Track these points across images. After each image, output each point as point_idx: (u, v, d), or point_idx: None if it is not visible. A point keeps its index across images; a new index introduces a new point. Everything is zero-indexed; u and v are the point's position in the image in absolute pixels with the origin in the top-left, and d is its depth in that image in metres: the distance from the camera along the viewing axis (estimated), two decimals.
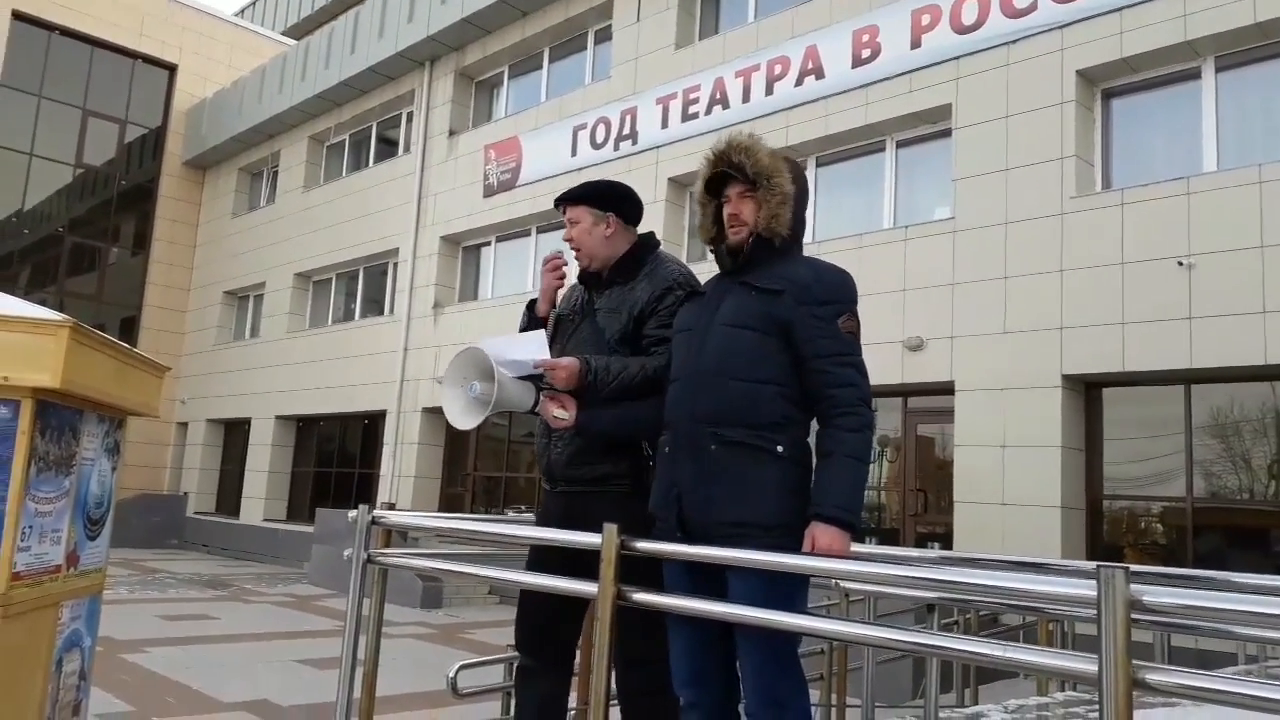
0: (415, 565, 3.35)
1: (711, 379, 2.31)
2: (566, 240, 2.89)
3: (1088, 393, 9.22)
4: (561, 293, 2.98)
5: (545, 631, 2.75)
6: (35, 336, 2.94)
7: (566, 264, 2.92)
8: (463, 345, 2.74)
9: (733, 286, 2.39)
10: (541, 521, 2.83)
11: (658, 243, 2.93)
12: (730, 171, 2.38)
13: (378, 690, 3.19)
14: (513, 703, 2.81)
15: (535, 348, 2.66)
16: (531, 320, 2.94)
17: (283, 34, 27.29)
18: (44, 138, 21.10)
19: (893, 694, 6.18)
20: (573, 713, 3.77)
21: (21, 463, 2.97)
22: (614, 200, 2.87)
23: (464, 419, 2.57)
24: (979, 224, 9.74)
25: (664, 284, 2.74)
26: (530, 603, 2.76)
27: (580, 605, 2.73)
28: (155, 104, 22.77)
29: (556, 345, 2.78)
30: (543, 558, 2.73)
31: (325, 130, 19.87)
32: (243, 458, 20.14)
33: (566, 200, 2.89)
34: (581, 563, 2.55)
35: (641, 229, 2.97)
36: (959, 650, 1.91)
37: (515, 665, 2.80)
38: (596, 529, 2.32)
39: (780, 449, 2.24)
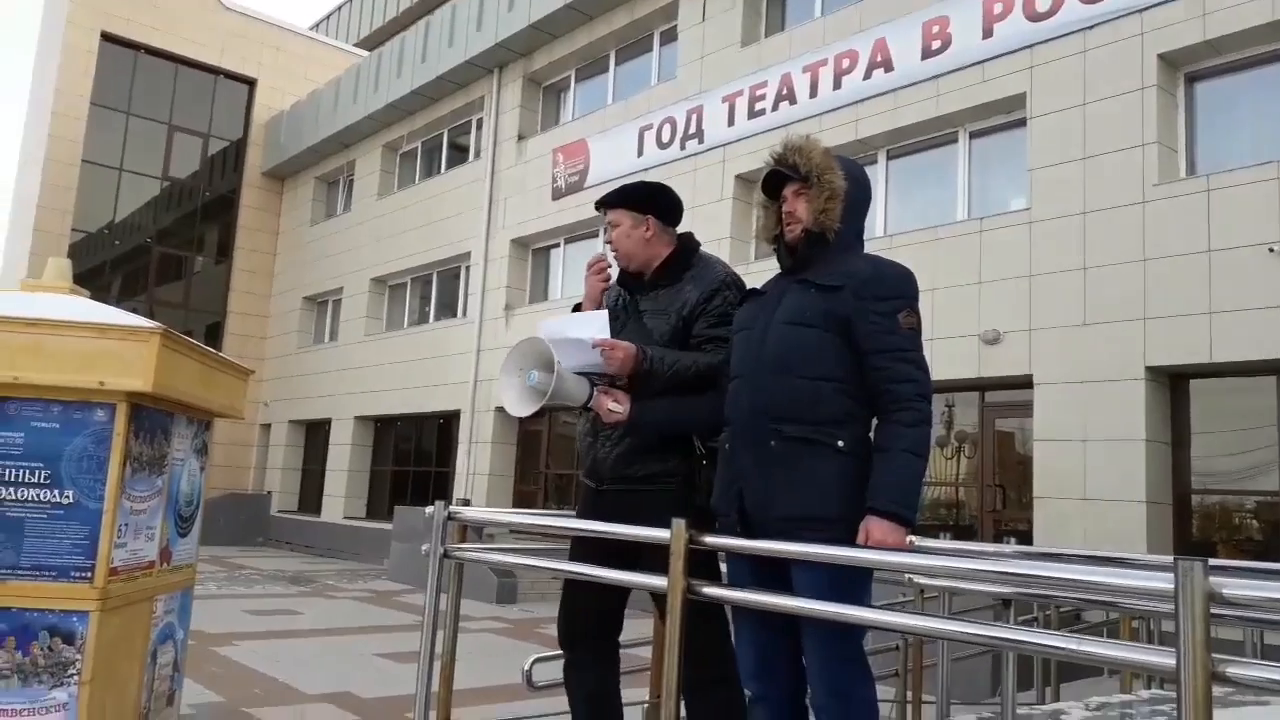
0: (490, 560, 3.42)
1: (772, 376, 2.32)
2: (608, 243, 2.93)
3: (1173, 384, 8.93)
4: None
5: (593, 627, 2.78)
6: (128, 343, 3.08)
7: (610, 266, 2.94)
8: (526, 336, 2.78)
9: (792, 284, 2.40)
10: (580, 517, 2.84)
11: (698, 244, 2.94)
12: (786, 171, 2.40)
13: (455, 683, 3.26)
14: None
15: (597, 327, 2.67)
16: None
17: (355, 45, 27.97)
18: (132, 153, 21.99)
19: (970, 692, 6.08)
20: (645, 705, 3.81)
21: (118, 463, 3.11)
22: (651, 202, 2.89)
23: (519, 406, 2.60)
24: (1057, 214, 9.50)
25: (713, 285, 2.75)
26: (578, 600, 2.79)
27: (622, 600, 2.77)
28: (236, 117, 23.55)
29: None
30: (582, 556, 2.75)
31: (398, 138, 20.29)
32: (323, 457, 20.69)
33: (605, 204, 2.92)
34: (623, 560, 2.60)
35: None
36: (1029, 643, 1.88)
37: (563, 664, 2.83)
38: (647, 524, 2.37)
39: (841, 444, 2.24)
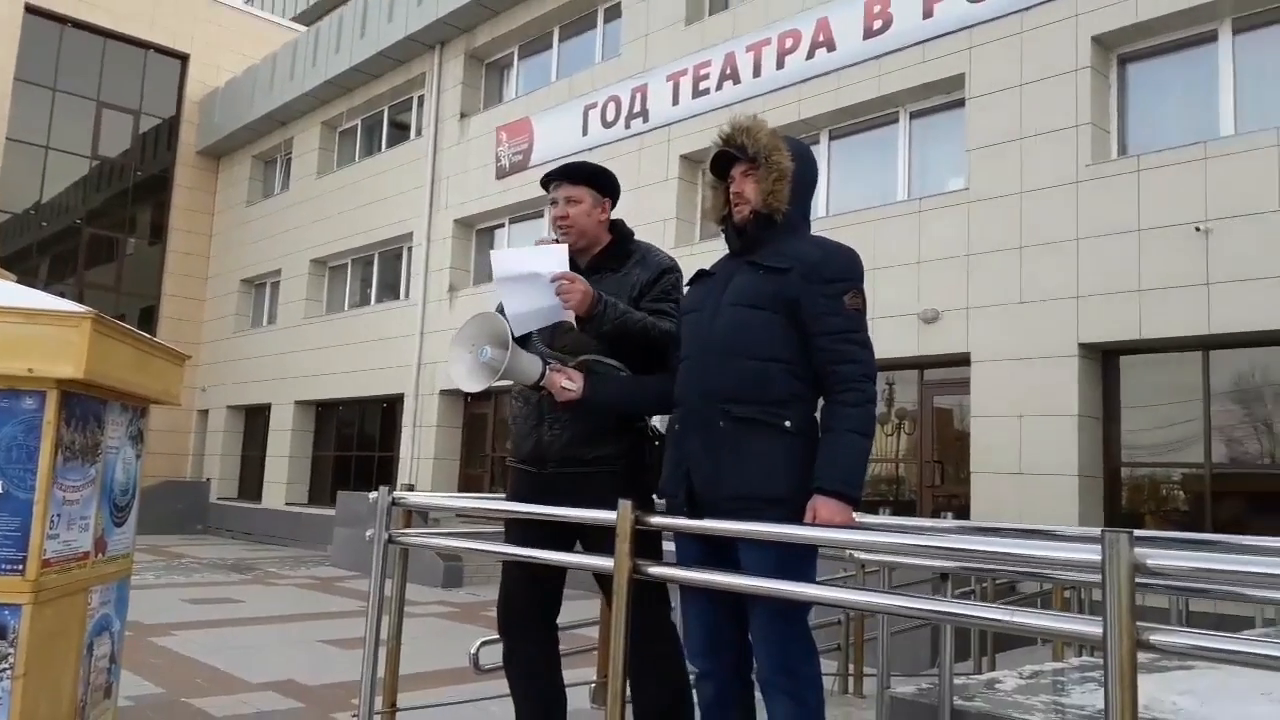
0: (436, 545, 3.41)
1: (721, 358, 2.34)
2: (560, 218, 2.82)
3: (1105, 361, 9.18)
4: None
5: (533, 610, 2.79)
6: (58, 328, 3.00)
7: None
8: (475, 313, 2.74)
9: (741, 266, 2.42)
10: (515, 501, 2.81)
11: (632, 230, 2.95)
12: (734, 152, 2.41)
13: (401, 668, 3.25)
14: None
15: (555, 262, 2.60)
16: None
17: (293, 20, 27.32)
18: (59, 130, 21.24)
19: (909, 664, 6.22)
20: (592, 685, 3.84)
21: (48, 452, 3.03)
22: (612, 186, 2.91)
23: (469, 381, 2.57)
24: (994, 194, 9.68)
25: (660, 268, 2.81)
26: (517, 584, 2.78)
27: (560, 582, 2.78)
28: (168, 94, 22.87)
29: (550, 329, 2.75)
30: (520, 540, 2.75)
31: (337, 116, 19.91)
32: (264, 443, 20.35)
33: (569, 177, 2.84)
34: (562, 542, 2.61)
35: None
36: (965, 615, 1.94)
37: (503, 649, 2.82)
38: (593, 507, 2.41)
39: (788, 424, 2.28)
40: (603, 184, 2.87)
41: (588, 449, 2.64)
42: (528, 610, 2.78)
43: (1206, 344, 8.48)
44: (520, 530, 2.78)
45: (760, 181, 2.37)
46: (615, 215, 2.94)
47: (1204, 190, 8.32)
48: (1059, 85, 9.35)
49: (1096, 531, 1.74)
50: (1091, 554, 1.52)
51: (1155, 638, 1.48)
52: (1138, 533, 1.56)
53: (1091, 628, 1.53)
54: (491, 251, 2.71)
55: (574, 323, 2.62)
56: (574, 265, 2.79)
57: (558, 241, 2.75)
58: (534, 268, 2.61)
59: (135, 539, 3.86)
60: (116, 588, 3.71)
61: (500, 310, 2.70)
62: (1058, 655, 4.87)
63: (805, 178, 2.45)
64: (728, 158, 2.43)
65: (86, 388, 3.22)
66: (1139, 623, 1.49)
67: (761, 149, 2.37)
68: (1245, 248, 8.01)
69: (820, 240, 2.44)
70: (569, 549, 2.66)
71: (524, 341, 2.59)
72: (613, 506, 2.28)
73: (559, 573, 2.75)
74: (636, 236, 2.94)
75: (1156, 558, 1.51)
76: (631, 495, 2.29)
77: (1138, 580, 1.51)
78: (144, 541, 14.49)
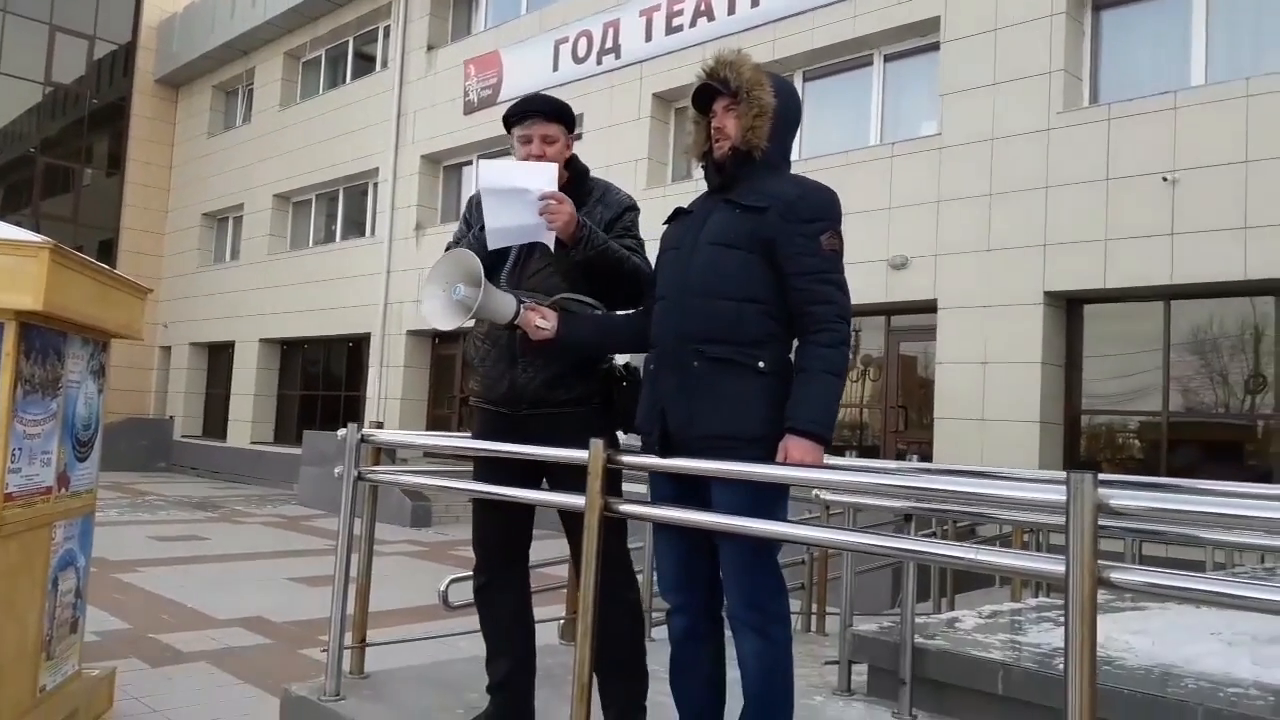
0: (405, 482, 3.41)
1: (697, 298, 2.33)
2: (536, 157, 2.70)
3: (1069, 309, 9.30)
4: None
5: (507, 547, 2.81)
6: (15, 258, 2.92)
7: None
8: (446, 248, 2.70)
9: (719, 204, 2.40)
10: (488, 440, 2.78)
11: (586, 166, 2.90)
12: (716, 86, 2.37)
13: (370, 606, 3.27)
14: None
15: (545, 179, 2.56)
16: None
17: None
18: (10, 55, 20.51)
19: (872, 604, 6.37)
20: (560, 621, 3.89)
21: (7, 385, 2.98)
22: (573, 121, 2.85)
23: (442, 319, 2.54)
24: (965, 140, 9.67)
25: (621, 205, 2.78)
26: (491, 522, 2.80)
27: (530, 520, 2.80)
28: (124, 18, 22.10)
29: (518, 267, 2.71)
30: (490, 478, 2.75)
31: (301, 46, 19.38)
32: (228, 381, 20.15)
33: (547, 114, 2.76)
34: (530, 481, 2.62)
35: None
36: (931, 553, 1.97)
37: (474, 587, 2.84)
38: (565, 446, 2.42)
39: (762, 364, 2.28)
40: (570, 120, 2.82)
41: (561, 390, 2.63)
42: (502, 547, 2.80)
43: (1169, 294, 8.60)
44: (489, 469, 2.78)
45: (741, 117, 2.34)
46: (587, 155, 2.89)
47: (1173, 140, 8.37)
48: (1033, 30, 9.30)
49: (1060, 474, 1.77)
50: (1057, 494, 1.55)
51: (1116, 575, 1.52)
52: (1101, 476, 1.59)
53: (1054, 565, 1.56)
54: (479, 160, 2.66)
55: (551, 245, 2.59)
56: None
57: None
58: (522, 183, 2.56)
59: (99, 476, 3.83)
60: (80, 523, 3.68)
61: (460, 247, 2.66)
62: (1015, 596, 5.00)
63: (787, 115, 2.41)
64: (710, 92, 2.39)
65: (46, 320, 3.16)
66: (1100, 561, 1.52)
67: (744, 83, 2.33)
68: (1210, 198, 8.10)
69: (799, 179, 2.41)
70: (537, 487, 2.67)
71: (491, 281, 2.55)
72: (584, 446, 2.28)
73: (529, 510, 2.76)
74: (595, 174, 2.90)
75: (1119, 498, 1.54)
76: (600, 434, 2.30)
77: (1100, 522, 1.54)
78: (107, 479, 14.35)
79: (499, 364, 2.68)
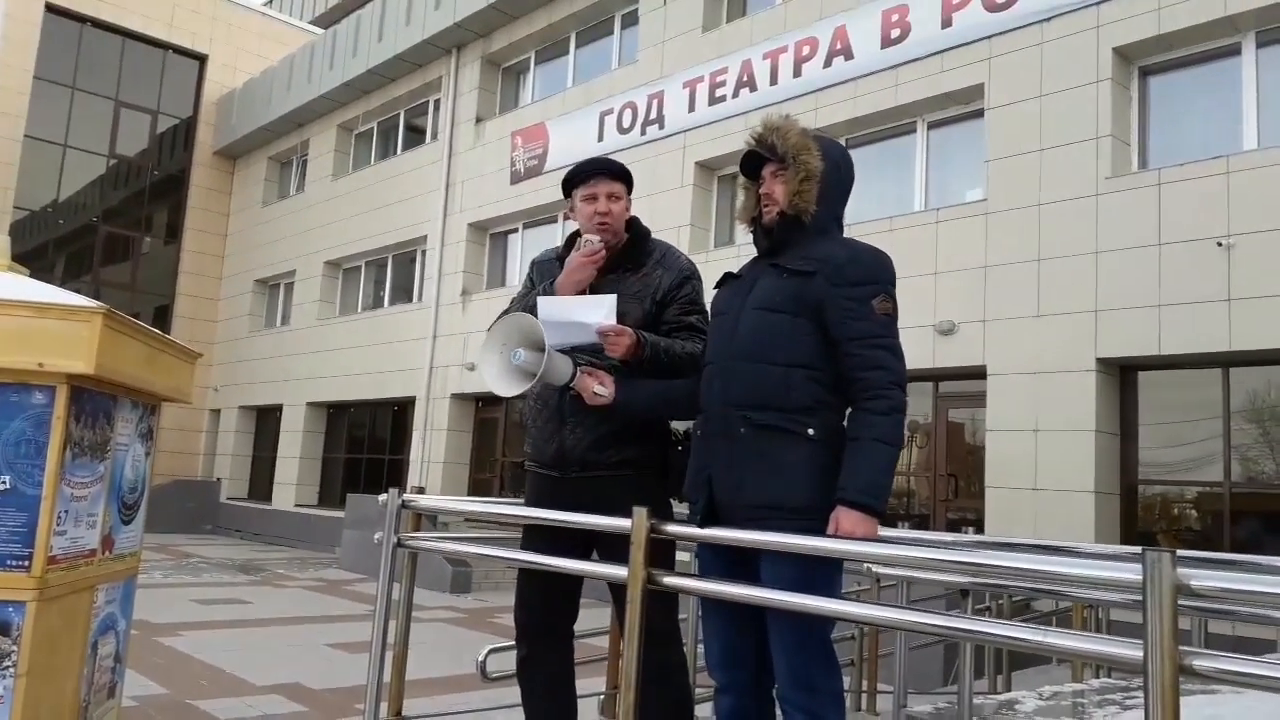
0: (445, 549, 3.36)
1: (743, 363, 2.29)
2: (603, 214, 2.70)
3: (1123, 376, 9.08)
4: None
5: (550, 617, 2.73)
6: (69, 323, 2.96)
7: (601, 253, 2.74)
8: (502, 317, 2.67)
9: (766, 269, 2.37)
10: (536, 506, 2.72)
11: (647, 228, 2.89)
12: (763, 151, 2.36)
13: (408, 674, 3.20)
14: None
15: (604, 312, 2.53)
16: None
17: (311, 23, 27.44)
18: (78, 129, 21.36)
19: (923, 681, 6.14)
20: (601, 696, 3.77)
21: (57, 448, 3.00)
22: (632, 182, 2.88)
23: (503, 385, 2.50)
24: (1012, 206, 9.59)
25: (683, 272, 2.73)
26: (534, 591, 2.72)
27: (578, 589, 2.72)
28: (186, 94, 22.98)
29: None
30: (538, 543, 2.68)
31: (353, 119, 19.96)
32: (275, 444, 20.36)
33: (610, 172, 2.76)
34: (580, 547, 2.55)
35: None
36: (996, 635, 1.87)
37: (517, 656, 2.76)
38: (616, 513, 2.32)
39: (811, 432, 2.21)
40: (631, 182, 2.84)
41: (612, 452, 2.58)
42: (547, 618, 2.72)
43: (1226, 361, 8.37)
44: (534, 535, 2.72)
45: (789, 182, 2.32)
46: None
47: (1226, 205, 8.23)
48: (1079, 97, 9.27)
49: (1129, 550, 1.67)
50: (1133, 574, 1.46)
51: (1199, 663, 1.42)
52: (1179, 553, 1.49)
53: (1131, 651, 1.46)
54: (538, 296, 2.64)
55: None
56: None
57: (590, 242, 2.70)
58: (581, 318, 2.54)
59: (144, 537, 3.82)
60: (123, 586, 3.66)
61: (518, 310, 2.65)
62: (1076, 676, 4.78)
63: (836, 180, 2.38)
64: (758, 158, 2.38)
65: (97, 383, 3.18)
66: (1181, 646, 1.42)
67: (791, 148, 2.31)
68: (1268, 263, 7.91)
69: (850, 242, 2.37)
70: (587, 555, 2.60)
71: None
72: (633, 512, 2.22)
73: (577, 581, 2.69)
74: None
75: (1200, 579, 1.45)
76: (653, 500, 2.24)
77: (1180, 603, 1.45)
78: (153, 540, 14.49)
79: (549, 424, 2.65)
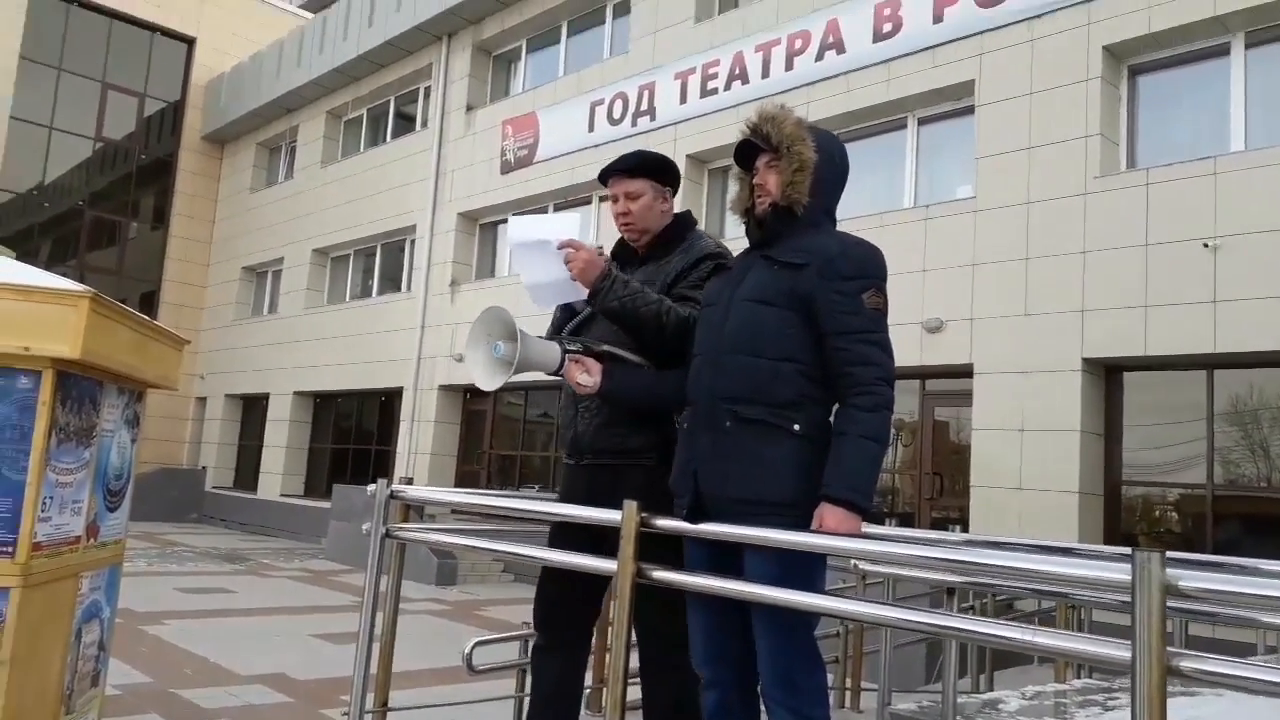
0: (434, 540, 3.35)
1: (731, 356, 2.28)
2: (623, 214, 2.71)
3: (1108, 377, 9.13)
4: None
5: (564, 610, 2.71)
6: (55, 307, 2.94)
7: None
8: (487, 306, 2.67)
9: (756, 260, 2.36)
10: (566, 499, 2.72)
11: (695, 221, 2.86)
12: (757, 142, 2.35)
13: (393, 665, 3.19)
14: (528, 681, 2.77)
15: (564, 229, 2.55)
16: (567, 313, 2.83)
17: (300, 7, 27.20)
18: (64, 111, 21.16)
19: (906, 679, 6.16)
20: (588, 690, 3.78)
21: (42, 433, 2.97)
22: (673, 175, 2.82)
23: (488, 379, 2.50)
24: (1001, 204, 9.62)
25: (700, 254, 2.69)
26: (551, 582, 2.72)
27: (602, 584, 2.71)
28: (174, 77, 22.78)
29: (582, 324, 2.69)
30: (565, 536, 2.68)
31: (343, 105, 19.84)
32: (261, 433, 20.27)
33: (628, 171, 2.75)
34: (606, 540, 2.53)
35: None
36: (983, 633, 1.88)
37: (531, 644, 2.76)
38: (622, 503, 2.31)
39: (797, 427, 2.20)
40: (663, 175, 2.78)
41: (616, 439, 2.57)
42: (561, 611, 2.69)
43: (1211, 363, 8.42)
44: (557, 529, 2.72)
45: (782, 173, 2.30)
46: None
47: (1213, 206, 8.27)
48: (1069, 95, 9.30)
49: (1115, 550, 1.67)
50: (1121, 574, 1.46)
51: (1186, 664, 1.43)
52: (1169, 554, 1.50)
53: (1118, 652, 1.47)
54: (509, 217, 2.67)
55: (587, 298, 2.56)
56: (625, 256, 2.75)
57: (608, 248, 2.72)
58: (544, 234, 2.55)
59: (129, 525, 3.80)
60: (108, 574, 3.64)
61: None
62: (1059, 676, 4.80)
63: (831, 171, 2.37)
64: (752, 148, 2.37)
65: (83, 368, 3.16)
66: (1169, 648, 1.43)
67: (785, 138, 2.29)
68: (1254, 266, 7.96)
69: (842, 236, 2.35)
70: (613, 551, 2.59)
71: (558, 338, 2.54)
72: (646, 501, 2.21)
73: (596, 579, 2.66)
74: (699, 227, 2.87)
75: (1189, 579, 1.45)
76: (662, 493, 2.24)
77: (1168, 604, 1.45)
78: (137, 528, 14.41)
79: (567, 411, 2.69)
